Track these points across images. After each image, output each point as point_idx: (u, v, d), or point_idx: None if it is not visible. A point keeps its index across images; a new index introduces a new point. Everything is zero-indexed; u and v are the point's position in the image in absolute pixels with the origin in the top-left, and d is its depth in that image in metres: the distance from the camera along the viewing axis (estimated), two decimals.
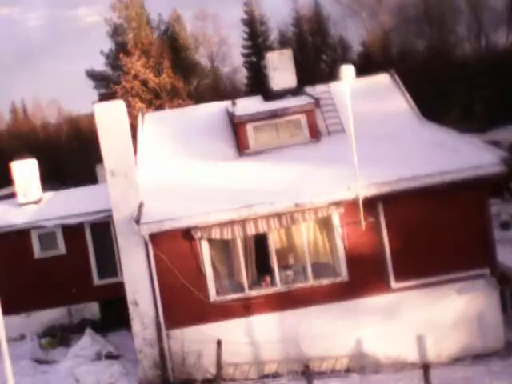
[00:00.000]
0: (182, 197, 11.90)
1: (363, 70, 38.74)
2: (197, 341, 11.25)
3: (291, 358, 11.38)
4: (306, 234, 11.40)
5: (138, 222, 10.81)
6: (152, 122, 16.66)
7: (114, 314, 14.51)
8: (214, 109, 16.89)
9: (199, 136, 15.69)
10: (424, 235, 11.32)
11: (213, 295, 11.33)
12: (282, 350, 11.39)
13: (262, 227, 11.03)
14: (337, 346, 11.33)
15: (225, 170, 13.67)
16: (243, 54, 48.53)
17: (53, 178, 72.62)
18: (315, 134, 14.88)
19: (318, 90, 16.70)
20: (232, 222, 11.00)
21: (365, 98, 16.27)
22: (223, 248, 11.44)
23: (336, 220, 11.25)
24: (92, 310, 15.68)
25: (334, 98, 16.23)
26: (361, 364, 11.33)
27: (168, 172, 13.96)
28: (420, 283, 11.34)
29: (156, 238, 11.09)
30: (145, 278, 11.27)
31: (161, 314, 11.26)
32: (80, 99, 76.63)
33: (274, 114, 14.90)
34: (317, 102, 15.01)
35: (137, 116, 27.74)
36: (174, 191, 12.33)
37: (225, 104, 16.83)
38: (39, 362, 13.44)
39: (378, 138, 13.80)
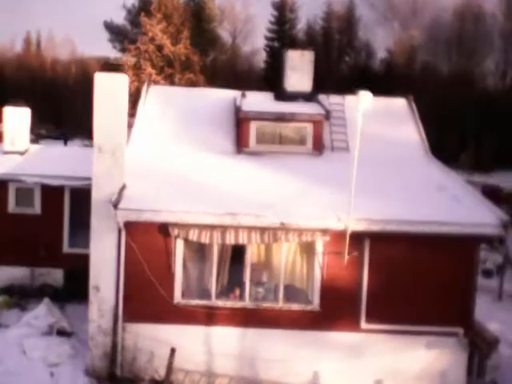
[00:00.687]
0: (168, 187, 11.36)
1: (383, 79, 38.29)
2: (152, 339, 10.81)
3: (244, 376, 10.99)
4: (285, 254, 10.93)
5: (115, 206, 10.28)
6: (156, 97, 16.01)
7: (77, 285, 13.97)
8: (223, 96, 16.25)
9: (201, 123, 15.10)
10: (404, 280, 10.88)
11: (178, 297, 10.86)
12: (236, 366, 10.98)
13: (243, 239, 10.53)
14: (292, 374, 10.94)
15: (218, 167, 13.11)
16: (266, 37, 47.72)
17: (51, 120, 72.03)
18: (319, 146, 14.35)
19: (332, 100, 16.12)
20: (212, 227, 10.50)
21: (377, 120, 15.69)
22: (198, 250, 10.95)
23: (319, 247, 10.78)
24: (55, 276, 15.16)
25: (346, 112, 15.73)
26: None
27: (160, 156, 13.38)
28: (390, 328, 10.93)
29: (131, 227, 10.58)
30: (111, 264, 10.77)
31: (120, 304, 10.79)
32: (94, 43, 75.34)
33: (280, 117, 14.35)
34: (327, 114, 14.45)
35: (144, 80, 27.29)
36: (161, 179, 11.77)
37: (234, 93, 16.22)
38: None
39: (380, 164, 13.33)
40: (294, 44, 45.20)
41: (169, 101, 15.97)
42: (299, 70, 16.14)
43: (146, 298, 10.79)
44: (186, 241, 10.67)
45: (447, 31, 36.14)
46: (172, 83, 27.13)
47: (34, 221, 15.04)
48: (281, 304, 10.92)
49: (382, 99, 16.50)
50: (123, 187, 10.81)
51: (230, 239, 10.53)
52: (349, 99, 16.21)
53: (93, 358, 10.97)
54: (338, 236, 10.63)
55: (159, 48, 26.90)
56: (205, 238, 10.51)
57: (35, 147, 16.73)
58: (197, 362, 10.93)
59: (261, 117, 14.30)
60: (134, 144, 13.40)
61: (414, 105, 16.18)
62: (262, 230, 10.51)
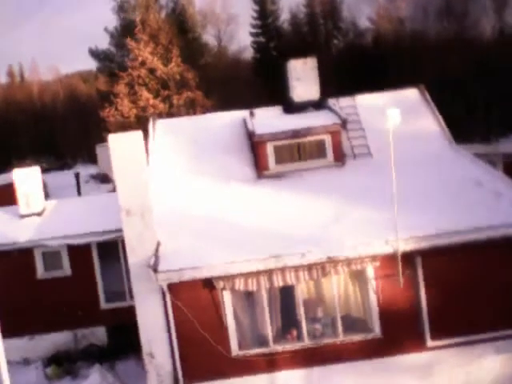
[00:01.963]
0: (201, 235, 10.92)
1: (375, 55, 37.55)
2: None
3: None
4: (336, 285, 10.48)
5: (155, 270, 9.87)
6: (164, 131, 15.55)
7: (123, 340, 13.74)
8: (230, 118, 15.75)
9: (215, 150, 14.64)
10: (463, 289, 10.40)
11: (235, 349, 10.44)
12: None
13: (290, 279, 10.09)
14: None
15: (244, 198, 12.67)
16: (252, 34, 46.99)
17: (49, 148, 71.22)
18: (340, 156, 13.87)
19: (343, 103, 15.61)
20: (257, 273, 10.06)
21: None
22: (246, 297, 10.52)
23: (370, 272, 10.33)
24: (98, 335, 14.80)
25: (360, 114, 15.24)
26: None
27: (182, 195, 12.95)
28: (457, 342, 10.48)
29: (174, 286, 10.16)
30: (161, 327, 10.36)
31: (179, 367, 10.39)
32: (77, 59, 74.60)
33: (296, 134, 13.85)
34: (343, 123, 13.92)
35: (144, 106, 26.88)
36: (192, 226, 11.34)
37: (242, 114, 15.73)
38: None
39: (409, 167, 12.77)
40: (280, 36, 44.65)
41: (177, 133, 15.52)
42: (304, 79, 15.64)
43: (203, 355, 10.38)
44: (233, 291, 10.25)
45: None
46: (171, 105, 26.71)
47: (65, 283, 14.66)
48: (341, 337, 10.49)
49: (393, 92, 16.02)
50: (158, 246, 10.39)
51: (278, 281, 10.10)
52: (359, 99, 15.75)
53: None
54: (388, 258, 10.18)
55: (151, 71, 26.39)
56: (252, 286, 10.08)
57: (51, 204, 16.31)
58: None
59: (276, 137, 13.83)
60: (154, 185, 12.94)
61: (427, 94, 15.64)
62: (310, 266, 10.07)
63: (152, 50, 26.45)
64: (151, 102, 26.08)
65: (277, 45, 44.14)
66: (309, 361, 10.48)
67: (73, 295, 14.46)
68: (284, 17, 45.98)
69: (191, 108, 26.61)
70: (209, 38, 43.43)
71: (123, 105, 25.82)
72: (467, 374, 10.53)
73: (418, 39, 36.69)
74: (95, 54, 36.34)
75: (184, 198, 12.77)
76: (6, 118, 72.16)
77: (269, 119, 14.91)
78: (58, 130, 72.99)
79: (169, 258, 10.16)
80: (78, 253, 14.53)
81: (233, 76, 40.41)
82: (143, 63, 26.42)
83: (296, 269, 10.05)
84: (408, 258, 10.18)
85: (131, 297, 10.48)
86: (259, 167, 13.80)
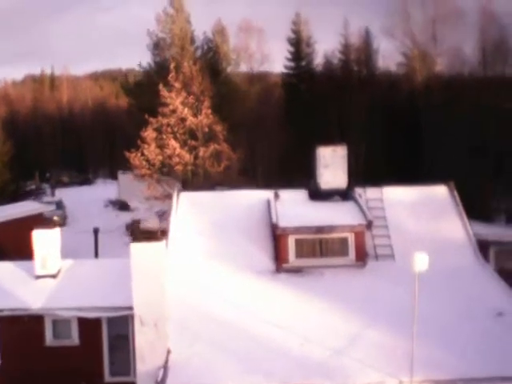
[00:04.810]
0: (214, 344, 10.74)
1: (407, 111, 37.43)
2: None
3: None
4: None
5: None
6: (187, 204, 15.48)
7: None
8: (255, 198, 15.63)
9: (235, 233, 14.51)
10: None
11: None
12: None
13: None
14: None
15: (261, 296, 12.49)
16: (284, 74, 47.04)
17: (73, 161, 71.27)
18: (362, 256, 13.63)
19: (370, 194, 15.41)
20: None
21: (418, 214, 15.04)
22: None
23: None
24: None
25: (386, 209, 15.00)
26: None
27: (199, 285, 12.80)
28: None
29: None
30: None
31: None
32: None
33: (320, 230, 13.65)
34: (369, 224, 13.67)
35: (170, 155, 26.82)
36: (205, 330, 11.16)
37: (267, 194, 15.59)
38: None
39: (429, 279, 12.40)
40: (313, 79, 44.61)
41: (200, 209, 15.43)
42: (332, 167, 15.49)
43: None
44: None
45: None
46: (196, 156, 26.67)
47: (72, 352, 14.46)
48: None
49: (422, 188, 15.77)
50: (168, 356, 10.23)
51: None
52: (386, 192, 15.52)
53: None
54: None
55: (181, 120, 26.42)
56: None
57: (66, 265, 16.23)
58: None
59: (299, 231, 13.65)
60: (172, 263, 12.80)
61: (455, 193, 15.34)
62: None
63: (183, 99, 26.53)
64: (177, 151, 26.09)
65: (309, 87, 44.17)
66: None
67: (79, 364, 14.27)
68: (318, 60, 46.06)
69: (216, 160, 26.65)
70: (240, 76, 43.47)
71: (150, 150, 25.90)
72: None
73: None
74: (127, 88, 36.55)
75: (200, 291, 12.61)
76: (33, 125, 72.93)
77: (293, 207, 14.73)
78: (82, 142, 73.32)
79: (178, 372, 9.99)
80: (88, 324, 14.36)
81: (261, 114, 40.44)
82: (174, 111, 26.50)
83: None
84: None
85: (135, 374, 10.30)
86: (279, 259, 13.62)
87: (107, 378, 14.62)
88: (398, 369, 9.87)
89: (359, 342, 10.72)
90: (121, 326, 14.43)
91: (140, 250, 9.97)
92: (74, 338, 14.58)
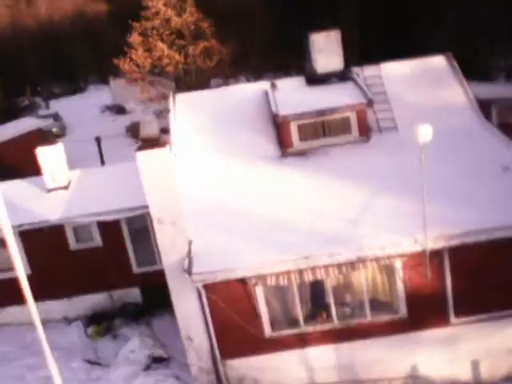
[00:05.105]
0: (230, 230, 11.26)
1: None
2: (252, 368, 11.28)
3: (346, 380, 11.41)
4: (364, 275, 10.90)
5: (189, 273, 10.30)
6: (184, 106, 15.45)
7: (156, 298, 14.42)
8: (252, 91, 15.54)
9: (236, 127, 14.64)
10: (487, 275, 10.79)
11: (268, 331, 11.13)
12: (337, 374, 11.41)
13: (320, 275, 10.52)
14: (392, 370, 11.36)
15: (270, 181, 12.85)
16: None
17: (60, 75, 69.71)
18: (365, 131, 13.90)
19: (367, 73, 15.38)
20: (288, 271, 10.49)
21: (418, 86, 15.13)
22: (278, 287, 10.97)
23: (398, 265, 10.71)
24: (133, 295, 15.62)
25: (386, 85, 15.04)
26: None
27: (208, 180, 13.12)
28: (481, 318, 11.06)
29: (208, 284, 10.65)
30: (197, 316, 10.98)
31: (216, 347, 11.14)
32: None
33: (321, 114, 13.78)
34: (369, 103, 13.73)
35: (159, 57, 26.19)
36: (220, 219, 11.65)
37: (263, 86, 15.49)
38: (90, 362, 13.56)
39: (433, 144, 12.79)
40: None
41: (198, 108, 15.45)
42: (327, 52, 15.27)
43: (238, 337, 11.08)
44: (265, 286, 10.73)
45: None
46: (186, 55, 26.00)
47: (98, 252, 15.24)
48: (368, 318, 11.08)
49: (419, 60, 15.67)
50: (190, 246, 10.77)
51: (308, 277, 10.53)
52: (384, 68, 15.46)
53: None
54: (416, 253, 10.51)
55: (166, 21, 25.48)
56: (283, 281, 10.53)
57: (75, 176, 16.57)
58: (298, 378, 11.39)
59: (300, 117, 13.79)
60: (179, 169, 13.13)
61: (454, 62, 15.29)
62: (339, 264, 10.45)
63: (165, 0, 25.43)
64: (166, 52, 25.45)
65: None
66: (338, 338, 11.18)
67: (106, 263, 15.10)
68: None
69: (207, 57, 26.02)
70: None
71: (138, 55, 25.29)
72: (488, 344, 11.17)
73: None
74: None
75: (210, 184, 12.95)
76: (13, 41, 70.55)
77: (291, 94, 14.75)
78: (67, 52, 71.45)
79: (202, 259, 10.56)
80: (108, 226, 15.00)
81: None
82: (157, 13, 25.51)
83: (326, 266, 10.45)
84: (436, 252, 10.51)
85: (161, 261, 10.98)
86: (283, 145, 13.87)
87: (135, 269, 15.53)
88: (413, 229, 10.42)
89: (371, 210, 11.22)
90: (139, 222, 15.07)
91: (146, 157, 10.18)
92: (97, 240, 15.29)
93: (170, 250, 10.60)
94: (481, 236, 10.28)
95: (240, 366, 11.19)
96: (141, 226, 15.08)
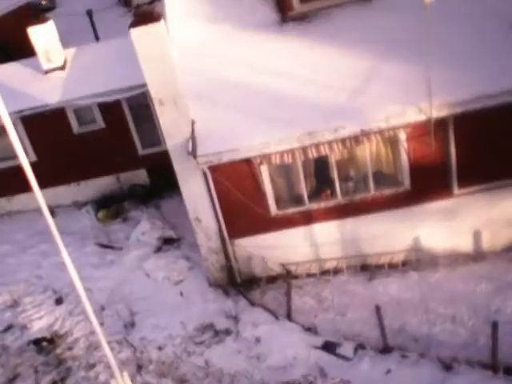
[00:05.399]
0: (232, 107, 10.95)
1: None
2: (260, 246, 11.73)
3: (350, 255, 11.93)
4: (368, 148, 10.85)
5: (194, 156, 10.32)
6: None
7: (163, 179, 14.72)
8: None
9: None
10: (491, 142, 10.70)
11: (273, 210, 11.38)
12: (341, 249, 11.86)
13: (325, 151, 10.50)
14: (394, 244, 11.73)
15: (270, 51, 12.16)
16: None
17: None
18: None
19: None
20: (293, 149, 10.46)
21: None
22: (282, 166, 11.06)
23: (402, 136, 10.61)
24: (141, 176, 15.87)
25: None
26: (417, 257, 11.87)
27: (206, 51, 12.55)
28: (483, 188, 11.17)
29: (213, 165, 10.72)
30: (204, 197, 11.19)
31: (223, 227, 11.51)
32: None
33: None
34: None
35: None
36: (221, 95, 11.29)
37: None
38: (103, 246, 14.17)
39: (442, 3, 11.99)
40: None
41: None
42: None
43: (244, 217, 11.38)
44: (270, 164, 10.78)
45: None
46: None
47: (101, 134, 15.20)
48: (372, 192, 11.25)
49: None
50: (193, 126, 10.67)
51: (313, 153, 10.52)
52: None
53: (212, 273, 12.14)
54: (421, 123, 10.33)
55: None
56: (287, 159, 10.55)
57: (71, 55, 15.97)
58: (304, 254, 11.88)
59: None
60: (174, 38, 12.51)
61: None
62: (343, 139, 10.37)
63: None
64: None
65: None
66: (342, 214, 11.44)
67: (110, 145, 15.12)
68: None
69: None
70: None
71: None
72: (489, 213, 11.41)
73: None
74: None
75: (210, 58, 12.35)
76: None
77: None
78: None
79: (206, 140, 10.50)
80: (109, 107, 14.78)
81: None
82: None
83: (330, 142, 10.39)
84: (441, 121, 10.32)
85: (165, 142, 11.01)
86: (283, 8, 13.04)
87: (140, 151, 15.60)
88: (417, 98, 10.14)
89: (376, 78, 10.81)
90: (141, 102, 14.82)
91: (140, 34, 9.65)
92: (99, 122, 15.19)
93: (173, 132, 10.51)
94: (486, 102, 9.99)
95: (248, 244, 11.62)
96: (143, 107, 14.89)
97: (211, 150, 10.37)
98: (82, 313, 11.48)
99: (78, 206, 15.88)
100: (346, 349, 10.07)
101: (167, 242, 13.83)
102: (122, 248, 13.94)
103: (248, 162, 10.69)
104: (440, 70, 10.19)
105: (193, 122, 10.71)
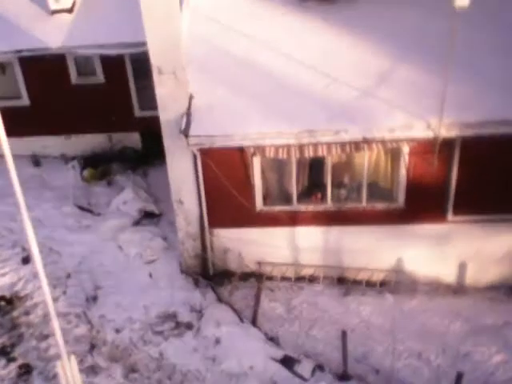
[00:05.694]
0: (235, 89, 10.34)
1: None
2: (238, 240, 11.24)
3: (329, 265, 11.46)
4: (367, 157, 10.29)
5: (186, 135, 9.74)
6: None
7: (155, 145, 14.11)
8: None
9: None
10: (497, 174, 10.18)
11: (259, 205, 10.86)
12: (321, 257, 11.38)
13: (322, 152, 9.92)
14: (377, 261, 11.27)
15: (284, 30, 11.48)
16: None
17: None
18: None
19: None
20: (289, 145, 9.88)
21: None
22: (275, 160, 10.49)
23: (405, 150, 10.03)
24: (133, 139, 15.27)
25: None
26: (397, 279, 11.41)
27: (218, 21, 11.69)
28: (478, 218, 10.68)
29: (204, 148, 10.14)
30: (190, 179, 10.65)
31: (205, 214, 10.98)
32: None
33: None
34: None
35: None
36: (227, 72, 10.71)
37: None
38: (82, 209, 13.63)
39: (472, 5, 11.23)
40: None
41: None
42: None
43: (228, 207, 10.85)
44: (263, 157, 10.22)
45: None
46: None
47: (99, 89, 14.52)
48: (364, 203, 10.73)
49: None
50: (190, 101, 10.06)
51: (309, 153, 9.94)
52: None
53: (185, 259, 11.65)
54: (427, 140, 9.77)
55: None
56: (282, 154, 9.98)
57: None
58: (283, 256, 11.40)
59: None
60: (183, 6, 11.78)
61: None
62: (343, 143, 9.80)
63: None
64: None
65: None
66: (329, 221, 10.93)
67: (107, 101, 14.50)
68: None
69: None
70: None
71: None
72: (480, 246, 10.94)
73: None
74: None
75: (221, 28, 11.58)
76: None
77: None
78: None
79: (200, 119, 9.92)
80: (111, 61, 14.08)
81: None
82: None
83: (329, 144, 9.82)
84: (448, 141, 9.74)
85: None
86: None
87: (137, 112, 14.95)
88: (428, 111, 9.53)
89: (389, 80, 10.20)
90: (145, 61, 14.08)
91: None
92: (99, 76, 14.49)
93: (168, 105, 9.88)
94: (501, 129, 9.40)
95: (227, 236, 11.12)
96: (146, 66, 14.16)
97: (204, 132, 9.79)
98: (47, 277, 10.99)
99: (66, 159, 15.27)
100: (305, 367, 9.59)
101: (147, 216, 13.31)
102: (100, 214, 13.41)
103: (241, 150, 10.11)
104: (458, 84, 9.59)
105: (191, 97, 10.10)
